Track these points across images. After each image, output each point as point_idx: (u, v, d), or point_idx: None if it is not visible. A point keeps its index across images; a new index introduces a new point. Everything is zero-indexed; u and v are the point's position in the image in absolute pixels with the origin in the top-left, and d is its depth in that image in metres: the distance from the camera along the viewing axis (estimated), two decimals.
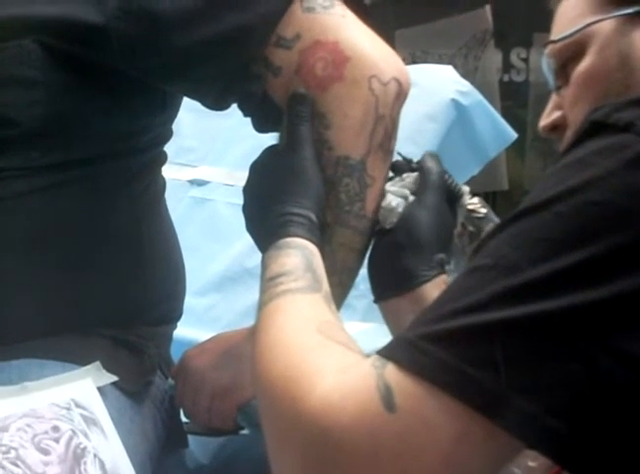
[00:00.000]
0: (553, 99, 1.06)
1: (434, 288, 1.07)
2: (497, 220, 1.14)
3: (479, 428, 0.72)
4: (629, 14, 0.98)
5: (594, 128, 0.76)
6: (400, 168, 1.16)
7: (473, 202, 1.15)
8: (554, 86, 1.06)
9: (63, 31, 1.13)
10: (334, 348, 0.84)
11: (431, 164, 1.14)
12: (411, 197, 1.12)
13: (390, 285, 1.11)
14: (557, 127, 1.05)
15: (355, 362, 0.79)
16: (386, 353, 0.77)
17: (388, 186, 1.14)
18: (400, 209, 1.11)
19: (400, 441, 0.73)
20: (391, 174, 1.16)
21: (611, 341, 0.71)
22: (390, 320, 1.12)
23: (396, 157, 1.17)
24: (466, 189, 1.16)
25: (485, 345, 0.72)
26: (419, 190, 1.13)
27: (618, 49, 0.98)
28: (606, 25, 0.99)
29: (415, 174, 1.14)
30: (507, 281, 0.73)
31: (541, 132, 1.07)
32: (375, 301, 1.14)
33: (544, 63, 1.06)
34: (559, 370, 0.71)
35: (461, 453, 0.73)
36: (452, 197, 1.15)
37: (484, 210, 1.14)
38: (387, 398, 0.74)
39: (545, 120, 1.07)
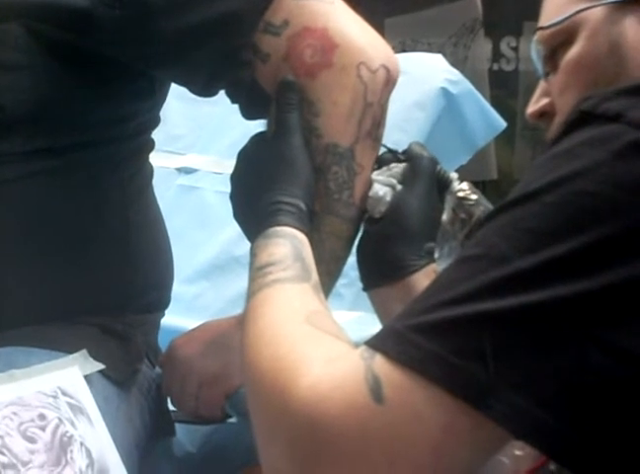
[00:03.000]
0: (541, 85, 1.06)
1: (423, 278, 1.07)
2: (488, 204, 1.13)
3: (467, 419, 0.72)
4: (619, 1, 0.98)
5: (582, 118, 0.76)
6: (386, 161, 1.15)
7: (463, 189, 1.14)
8: (543, 72, 1.06)
9: (50, 15, 1.13)
10: (323, 338, 0.84)
11: (420, 153, 1.14)
12: (399, 187, 1.12)
13: (380, 275, 1.11)
14: (545, 114, 1.05)
15: (343, 353, 0.79)
16: (375, 343, 0.76)
17: (375, 175, 1.13)
18: (388, 198, 1.11)
19: (388, 433, 0.73)
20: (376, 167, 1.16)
21: (600, 333, 0.70)
22: (380, 309, 1.12)
23: (381, 149, 1.16)
24: (454, 175, 1.15)
25: (473, 336, 0.72)
26: (408, 178, 1.12)
27: (608, 37, 0.98)
28: (596, 12, 0.99)
29: (403, 164, 1.14)
30: (495, 272, 0.73)
31: (529, 119, 1.07)
32: (365, 290, 1.14)
33: (533, 50, 1.06)
34: (547, 362, 0.71)
35: (450, 444, 0.73)
36: (441, 185, 1.14)
37: (474, 197, 1.14)
38: (375, 389, 0.74)
39: (533, 107, 1.06)
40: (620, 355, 0.70)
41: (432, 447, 0.73)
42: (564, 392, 0.70)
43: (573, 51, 1.00)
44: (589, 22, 0.99)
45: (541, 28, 1.04)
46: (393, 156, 1.15)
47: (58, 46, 1.14)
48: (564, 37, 1.01)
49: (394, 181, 1.12)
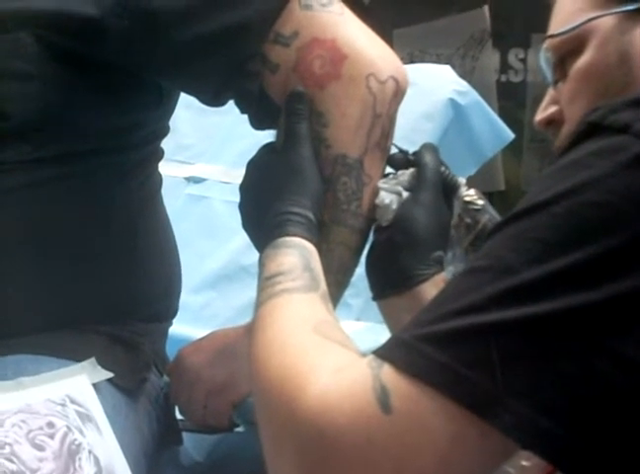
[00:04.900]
0: (550, 93, 1.06)
1: (432, 287, 1.07)
2: (494, 212, 1.13)
3: (475, 429, 0.72)
4: (630, 11, 0.98)
5: (590, 130, 0.76)
6: (397, 162, 1.15)
7: (470, 194, 1.14)
8: (552, 80, 1.05)
9: (60, 25, 1.13)
10: (331, 347, 0.84)
11: (427, 159, 1.13)
12: (405, 194, 1.12)
13: (388, 284, 1.11)
14: (553, 122, 1.05)
15: (351, 362, 0.79)
16: (382, 353, 0.76)
17: (380, 183, 1.13)
18: (395, 206, 1.11)
19: (396, 443, 0.73)
20: (388, 168, 1.16)
21: (607, 343, 0.70)
22: (389, 318, 1.12)
23: (392, 149, 1.16)
24: (462, 180, 1.15)
25: (481, 346, 0.72)
26: (415, 187, 1.12)
27: (618, 46, 0.98)
28: (607, 21, 0.99)
29: (410, 171, 1.14)
30: (503, 283, 0.73)
31: (537, 126, 1.07)
32: (374, 299, 1.14)
33: (542, 57, 1.05)
34: (555, 372, 0.71)
35: (457, 454, 0.73)
36: (449, 189, 1.14)
37: (481, 202, 1.13)
38: (383, 399, 0.74)
39: (541, 115, 1.06)
40: (627, 365, 0.70)
41: (439, 457, 0.73)
42: (570, 402, 0.70)
43: (582, 60, 1.00)
44: (599, 31, 0.99)
45: (551, 36, 1.04)
46: (404, 156, 1.16)
47: (67, 55, 1.15)
48: (574, 45, 1.01)
49: (400, 188, 1.12)
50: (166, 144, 1.34)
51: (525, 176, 3.73)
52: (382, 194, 1.12)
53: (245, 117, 1.22)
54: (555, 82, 1.05)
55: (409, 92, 1.17)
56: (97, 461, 1.04)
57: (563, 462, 0.72)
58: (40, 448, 1.01)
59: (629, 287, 0.70)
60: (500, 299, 0.73)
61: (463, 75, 2.51)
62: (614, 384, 0.70)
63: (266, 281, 0.96)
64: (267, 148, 1.14)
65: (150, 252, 1.30)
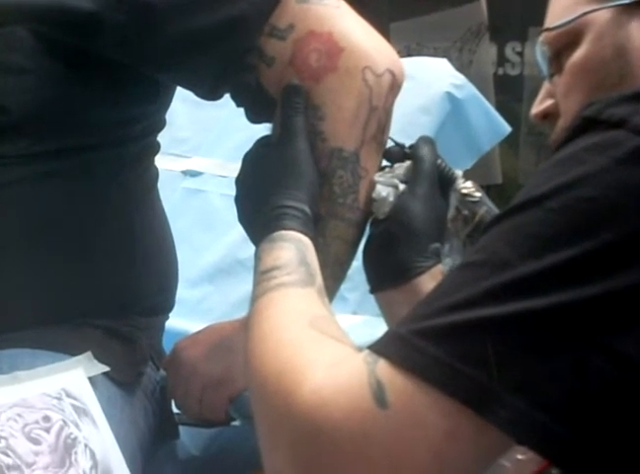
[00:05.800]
0: (545, 86, 1.06)
1: (430, 279, 1.07)
2: (491, 204, 1.13)
3: (470, 424, 0.72)
4: (626, 4, 0.98)
5: (586, 124, 0.76)
6: (393, 155, 1.15)
7: (467, 187, 1.14)
8: (547, 74, 1.05)
9: (56, 18, 1.13)
10: (326, 342, 0.84)
11: (423, 152, 1.13)
12: (401, 186, 1.12)
13: (386, 277, 1.11)
14: (549, 116, 1.05)
15: (347, 357, 0.79)
16: (378, 348, 0.76)
17: (377, 176, 1.13)
18: (391, 199, 1.11)
19: (391, 438, 0.73)
20: (384, 161, 1.16)
21: (601, 338, 0.71)
22: (386, 311, 1.12)
23: (389, 143, 1.16)
24: (459, 172, 1.15)
25: (476, 341, 0.72)
26: (411, 179, 1.12)
27: (614, 40, 0.98)
28: (603, 14, 0.99)
29: (406, 163, 1.14)
30: (498, 278, 0.73)
31: (533, 120, 1.07)
32: (371, 292, 1.14)
33: (538, 51, 1.05)
34: (549, 367, 0.71)
35: (452, 449, 0.73)
36: (445, 182, 1.14)
37: (478, 194, 1.14)
38: (379, 394, 0.74)
39: (537, 108, 1.06)
40: (622, 360, 0.70)
41: (434, 452, 0.73)
42: (565, 397, 0.70)
43: (578, 54, 1.00)
44: (595, 24, 0.99)
45: (547, 29, 1.04)
46: (400, 149, 1.16)
47: (63, 50, 1.14)
48: (570, 38, 1.01)
49: (396, 181, 1.12)
50: (162, 138, 1.33)
51: (522, 169, 3.73)
52: (379, 187, 1.12)
53: (241, 110, 1.22)
54: (551, 75, 1.05)
55: (406, 85, 1.17)
56: (93, 455, 1.04)
57: (559, 457, 0.72)
58: (36, 442, 1.01)
59: (625, 283, 0.70)
60: (495, 294, 0.73)
61: (460, 68, 2.51)
62: (609, 380, 0.70)
63: (262, 276, 0.96)
64: (263, 141, 1.13)
65: (147, 246, 1.30)
